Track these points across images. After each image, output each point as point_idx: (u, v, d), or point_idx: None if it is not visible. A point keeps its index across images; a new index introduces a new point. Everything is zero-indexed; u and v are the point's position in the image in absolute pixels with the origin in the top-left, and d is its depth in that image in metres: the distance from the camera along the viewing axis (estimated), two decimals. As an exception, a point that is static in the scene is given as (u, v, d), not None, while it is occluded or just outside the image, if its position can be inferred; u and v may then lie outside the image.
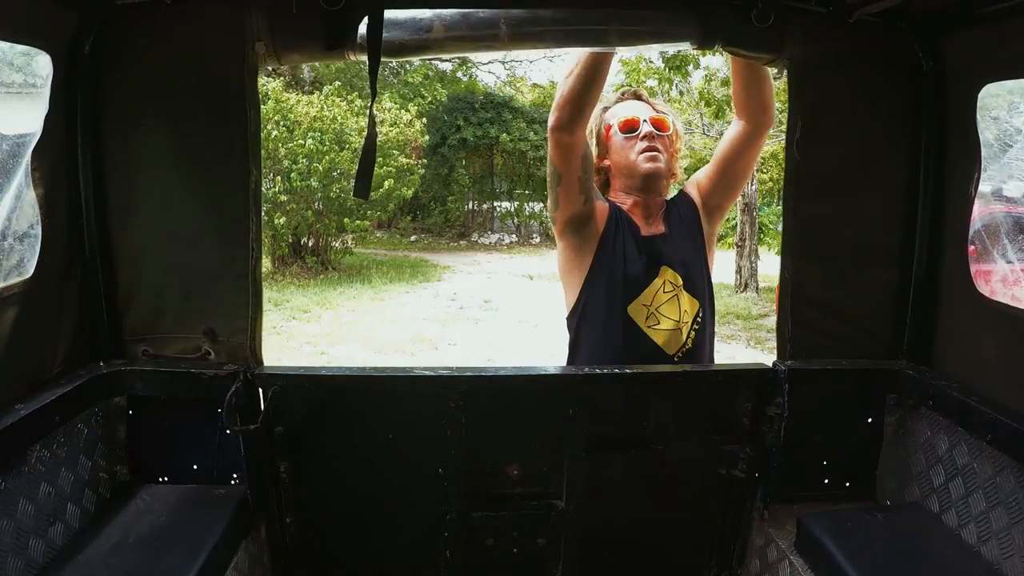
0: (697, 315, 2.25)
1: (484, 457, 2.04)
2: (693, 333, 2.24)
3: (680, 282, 2.23)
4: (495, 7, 1.84)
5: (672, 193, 2.44)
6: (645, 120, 2.25)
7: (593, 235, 2.23)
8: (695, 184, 2.40)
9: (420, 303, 11.67)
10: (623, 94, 2.37)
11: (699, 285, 2.28)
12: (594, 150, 2.31)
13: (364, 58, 1.84)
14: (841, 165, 2.01)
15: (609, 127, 2.29)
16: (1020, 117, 1.98)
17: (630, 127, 2.25)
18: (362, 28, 1.79)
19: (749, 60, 2.06)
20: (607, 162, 2.32)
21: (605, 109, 2.34)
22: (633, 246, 2.24)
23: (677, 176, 2.38)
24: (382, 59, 1.81)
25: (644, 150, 2.22)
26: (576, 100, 2.04)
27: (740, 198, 11.96)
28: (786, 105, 2.00)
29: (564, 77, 2.06)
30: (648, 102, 2.34)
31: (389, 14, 1.78)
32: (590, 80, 2.02)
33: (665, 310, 2.20)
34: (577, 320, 2.28)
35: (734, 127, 2.29)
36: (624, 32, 1.89)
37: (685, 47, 1.97)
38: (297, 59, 1.92)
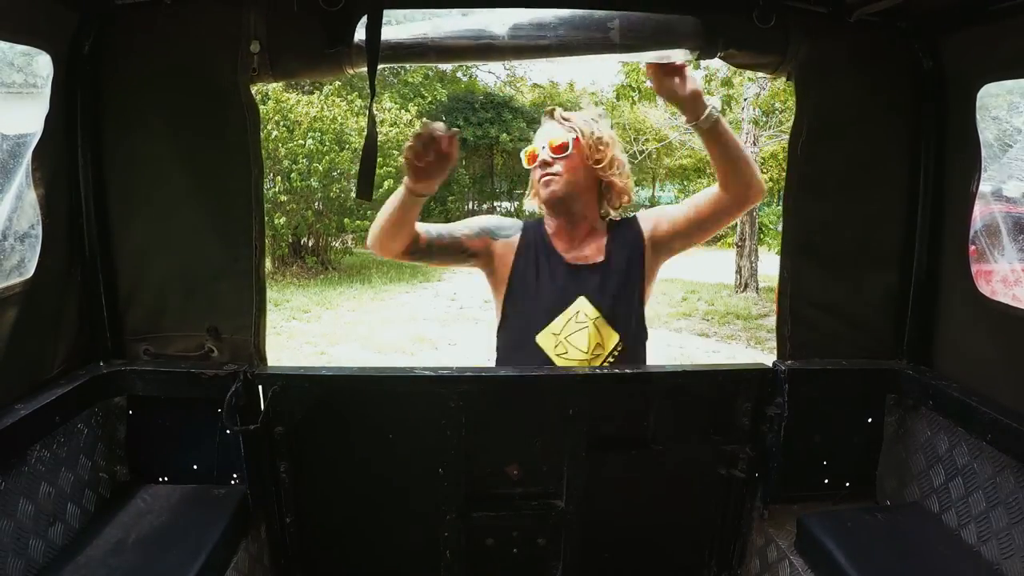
0: (615, 348, 2.16)
1: (484, 457, 2.04)
2: (606, 367, 2.14)
3: (596, 315, 2.15)
4: (495, 14, 1.84)
5: (631, 212, 2.32)
6: (544, 147, 2.22)
7: (501, 269, 2.26)
8: (654, 219, 2.25)
9: (420, 303, 11.68)
10: (545, 112, 2.36)
11: (624, 318, 2.18)
12: None
13: (361, 69, 1.83)
14: (842, 165, 2.01)
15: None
16: (1020, 117, 1.98)
17: (532, 159, 2.25)
18: (360, 31, 1.78)
19: (755, 69, 2.04)
20: None
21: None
22: (548, 274, 2.20)
23: (617, 186, 2.23)
24: (381, 64, 1.81)
25: (540, 178, 2.22)
26: (381, 238, 2.09)
27: (740, 198, 11.96)
28: (785, 104, 2.00)
29: (382, 210, 2.06)
30: (560, 119, 2.26)
31: (388, 20, 1.78)
32: (397, 222, 2.04)
33: (575, 340, 2.15)
34: (498, 338, 2.32)
35: (717, 191, 2.09)
36: (625, 39, 1.87)
37: (687, 55, 1.94)
38: (295, 66, 1.88)
